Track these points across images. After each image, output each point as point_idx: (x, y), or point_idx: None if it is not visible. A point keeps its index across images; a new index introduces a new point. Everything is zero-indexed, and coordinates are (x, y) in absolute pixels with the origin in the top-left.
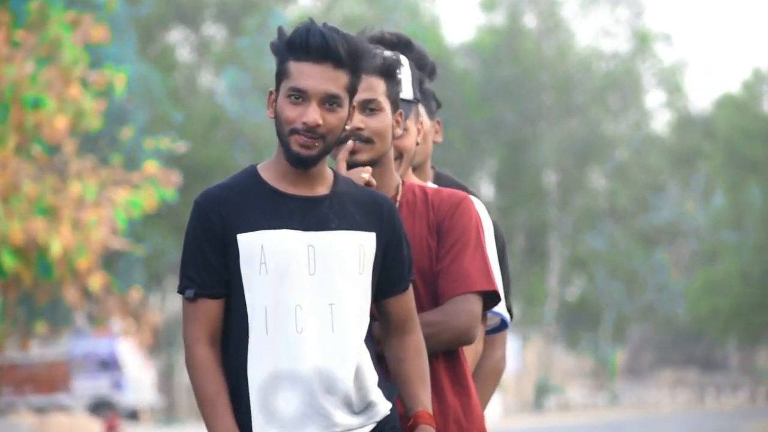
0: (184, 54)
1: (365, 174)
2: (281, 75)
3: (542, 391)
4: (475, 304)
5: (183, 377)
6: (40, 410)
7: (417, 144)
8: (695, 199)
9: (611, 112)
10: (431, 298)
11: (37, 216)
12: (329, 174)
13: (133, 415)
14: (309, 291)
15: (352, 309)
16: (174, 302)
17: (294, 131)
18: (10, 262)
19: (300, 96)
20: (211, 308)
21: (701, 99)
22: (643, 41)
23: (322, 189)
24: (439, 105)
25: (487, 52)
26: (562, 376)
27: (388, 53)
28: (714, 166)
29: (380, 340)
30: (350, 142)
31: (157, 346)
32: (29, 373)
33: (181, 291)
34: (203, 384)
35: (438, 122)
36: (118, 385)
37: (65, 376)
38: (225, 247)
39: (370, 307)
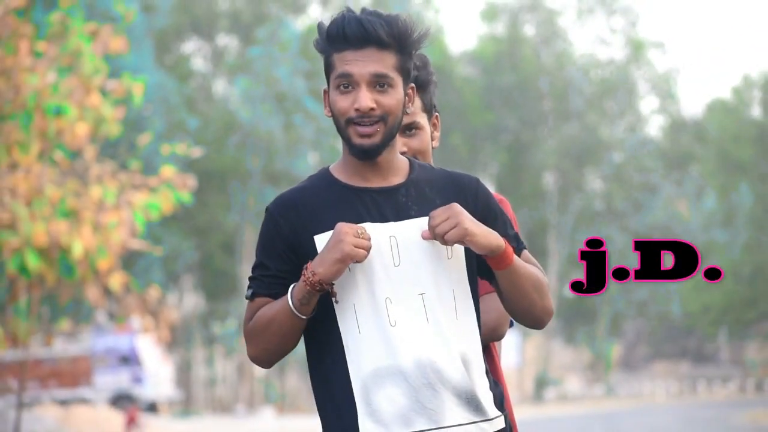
0: (198, 63)
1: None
2: (328, 69)
3: (542, 383)
4: None
5: (199, 371)
6: (64, 403)
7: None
8: (688, 199)
9: (607, 117)
10: None
11: (60, 218)
12: (403, 162)
13: (152, 408)
14: (396, 283)
15: (445, 297)
16: (190, 300)
17: (350, 122)
18: (34, 263)
19: (348, 83)
20: (266, 304)
21: (693, 104)
22: (637, 49)
23: (397, 178)
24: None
25: (489, 60)
26: (561, 369)
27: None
28: (705, 169)
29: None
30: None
31: (174, 342)
32: (53, 368)
33: (246, 295)
34: (256, 320)
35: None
36: (137, 380)
37: (87, 371)
38: (295, 252)
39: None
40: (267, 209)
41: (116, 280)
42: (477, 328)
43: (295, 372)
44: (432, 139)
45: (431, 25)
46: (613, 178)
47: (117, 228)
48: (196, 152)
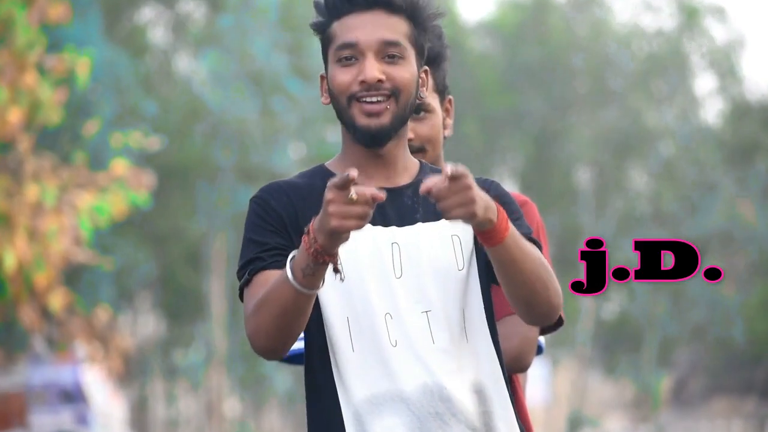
0: (156, 35)
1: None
2: (326, 45)
3: (576, 423)
4: (532, 327)
5: (158, 410)
6: None
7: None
8: (753, 200)
9: (654, 100)
10: None
11: None
12: (413, 163)
13: None
14: (398, 298)
15: (454, 315)
16: (147, 323)
17: (353, 98)
18: None
19: (351, 54)
20: (271, 276)
21: (760, 84)
22: (691, 17)
23: (404, 179)
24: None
25: (510, 32)
26: (599, 407)
27: None
28: None
29: None
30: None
31: (128, 374)
32: None
33: (241, 284)
34: (261, 297)
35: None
36: (82, 420)
37: (21, 410)
38: (289, 231)
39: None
40: (252, 198)
41: (57, 300)
42: (495, 352)
43: (274, 410)
44: (444, 127)
45: None
46: (662, 174)
47: (58, 236)
48: (155, 143)
